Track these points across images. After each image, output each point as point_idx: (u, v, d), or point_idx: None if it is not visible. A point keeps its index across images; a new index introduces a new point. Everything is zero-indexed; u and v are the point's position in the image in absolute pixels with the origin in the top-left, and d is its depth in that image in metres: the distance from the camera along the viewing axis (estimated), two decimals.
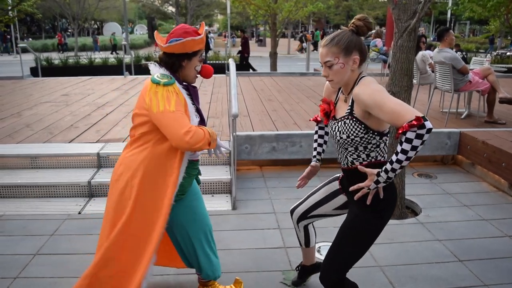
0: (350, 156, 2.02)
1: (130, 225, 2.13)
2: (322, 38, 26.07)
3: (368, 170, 1.90)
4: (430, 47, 10.12)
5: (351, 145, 1.96)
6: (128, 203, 2.13)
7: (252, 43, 35.22)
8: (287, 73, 11.43)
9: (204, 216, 2.40)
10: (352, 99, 1.93)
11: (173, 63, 2.15)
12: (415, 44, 3.42)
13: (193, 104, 2.20)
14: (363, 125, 1.90)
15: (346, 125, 1.94)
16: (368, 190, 1.91)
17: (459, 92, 5.84)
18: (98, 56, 16.39)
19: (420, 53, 6.62)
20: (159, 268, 2.69)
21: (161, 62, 2.18)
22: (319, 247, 3.17)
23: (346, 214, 2.13)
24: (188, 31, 2.12)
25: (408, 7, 3.31)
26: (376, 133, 1.92)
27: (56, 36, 33.41)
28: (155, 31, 2.32)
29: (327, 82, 2.02)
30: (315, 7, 13.93)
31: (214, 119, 5.86)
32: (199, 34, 2.13)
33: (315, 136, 2.41)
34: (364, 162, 1.98)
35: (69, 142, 4.78)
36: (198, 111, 2.24)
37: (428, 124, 1.69)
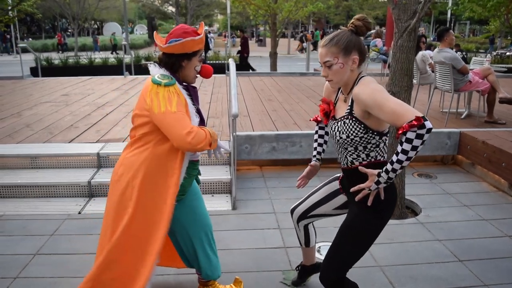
0: (349, 156, 2.02)
1: (132, 226, 2.13)
2: (322, 38, 26.09)
3: (368, 170, 1.90)
4: (430, 47, 10.11)
5: (351, 145, 1.96)
6: (129, 204, 2.13)
7: (252, 43, 35.25)
8: (287, 73, 11.43)
9: (204, 216, 2.40)
10: (351, 99, 1.93)
11: (173, 63, 2.15)
12: (415, 44, 3.42)
13: (193, 105, 2.20)
14: (362, 125, 1.90)
15: (346, 125, 1.94)
16: (369, 191, 1.91)
17: (459, 92, 5.84)
18: (98, 56, 16.37)
19: (420, 53, 6.62)
20: (159, 268, 2.67)
21: (161, 63, 2.18)
22: (319, 247, 3.17)
23: (346, 214, 2.13)
24: (187, 31, 2.12)
25: (408, 7, 3.31)
26: (375, 133, 1.92)
27: (56, 36, 33.42)
28: (155, 31, 2.32)
29: (327, 82, 2.02)
30: (315, 7, 13.93)
31: (214, 119, 5.86)
32: (199, 34, 2.14)
33: (315, 136, 2.41)
34: (364, 162, 1.98)
35: (69, 142, 4.78)
36: (198, 111, 2.25)
37: (428, 124, 1.69)
